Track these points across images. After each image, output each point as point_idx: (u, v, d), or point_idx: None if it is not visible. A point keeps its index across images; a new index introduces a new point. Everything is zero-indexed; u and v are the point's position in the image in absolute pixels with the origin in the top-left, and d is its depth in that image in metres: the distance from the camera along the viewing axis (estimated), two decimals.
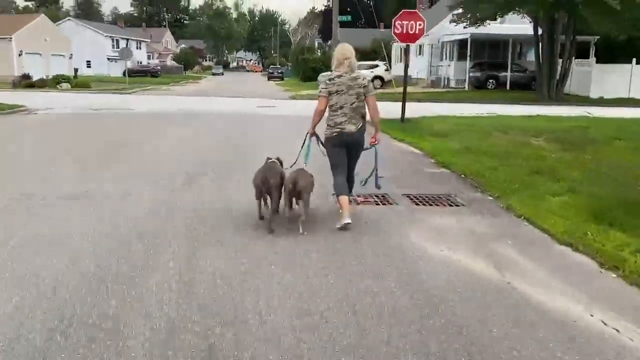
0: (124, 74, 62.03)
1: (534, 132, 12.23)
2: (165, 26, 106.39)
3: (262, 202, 5.51)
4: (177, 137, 12.02)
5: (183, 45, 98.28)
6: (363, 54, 53.07)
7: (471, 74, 32.94)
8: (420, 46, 39.74)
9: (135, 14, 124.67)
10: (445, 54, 36.15)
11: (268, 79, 60.73)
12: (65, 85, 32.08)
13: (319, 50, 61.58)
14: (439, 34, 36.92)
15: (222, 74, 79.75)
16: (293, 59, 62.90)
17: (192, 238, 5.04)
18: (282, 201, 5.37)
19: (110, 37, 64.06)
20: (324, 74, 37.25)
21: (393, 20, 14.17)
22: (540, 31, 26.63)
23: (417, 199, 6.77)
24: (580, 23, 26.15)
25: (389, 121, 14.85)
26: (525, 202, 6.37)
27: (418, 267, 4.47)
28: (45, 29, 43.11)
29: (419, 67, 38.46)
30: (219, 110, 18.88)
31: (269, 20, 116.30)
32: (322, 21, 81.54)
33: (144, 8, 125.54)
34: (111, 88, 33.44)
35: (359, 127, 5.44)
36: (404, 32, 14.05)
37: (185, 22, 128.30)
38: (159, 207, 6.09)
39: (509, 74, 32.31)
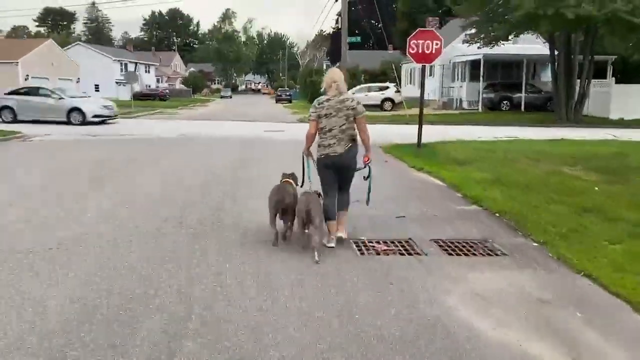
0: (131, 97, 62.14)
1: (565, 159, 11.11)
2: (174, 50, 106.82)
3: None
4: (170, 168, 11.01)
5: (192, 69, 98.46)
6: (372, 76, 52.55)
7: (484, 95, 31.93)
8: (431, 67, 38.87)
9: (145, 39, 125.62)
10: (457, 75, 35.24)
11: (276, 102, 60.13)
12: None
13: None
14: (450, 54, 35.99)
15: (231, 97, 79.42)
16: (301, 81, 62.38)
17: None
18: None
19: (119, 60, 63.94)
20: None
21: (408, 40, 13.20)
22: (556, 53, 25.67)
23: (448, 245, 5.66)
24: (596, 43, 25.19)
25: (404, 147, 13.85)
26: (580, 252, 5.24)
27: (468, 355, 3.36)
28: (53, 54, 42.81)
29: (430, 89, 37.48)
30: (224, 136, 17.94)
31: (277, 43, 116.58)
32: (330, 43, 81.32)
33: (154, 32, 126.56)
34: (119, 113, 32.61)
35: (348, 148, 5.48)
36: (420, 51, 13.06)
37: (194, 46, 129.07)
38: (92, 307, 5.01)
39: (523, 94, 31.27)
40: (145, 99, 58.33)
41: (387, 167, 11.02)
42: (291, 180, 5.89)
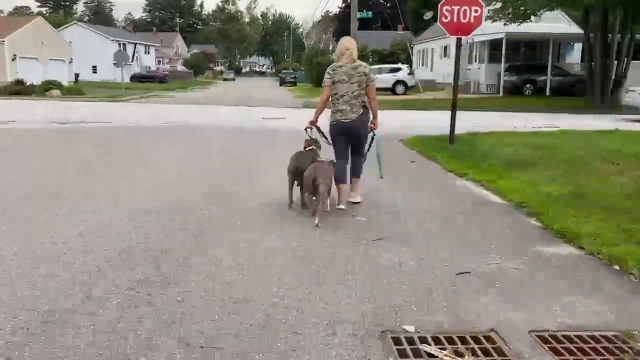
0: (130, 79, 59.29)
1: None
2: (176, 31, 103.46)
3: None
4: (143, 170, 8.35)
5: (195, 51, 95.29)
6: (381, 56, 49.49)
7: (506, 78, 29.01)
8: (445, 47, 35.91)
9: (148, 20, 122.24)
10: (475, 56, 32.25)
11: (280, 85, 57.26)
12: (55, 92, 28.73)
13: (334, 53, 58.01)
14: None
15: (234, 79, 76.49)
16: (306, 63, 59.31)
17: None
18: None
19: (117, 41, 60.92)
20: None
21: (439, 6, 10.40)
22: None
23: (562, 347, 3.01)
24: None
25: (430, 140, 11.14)
26: None
27: None
28: (43, 33, 39.89)
29: (444, 71, 34.60)
30: (217, 124, 15.27)
31: (282, 24, 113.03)
32: (337, 23, 77.99)
33: (157, 13, 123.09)
34: (106, 96, 30.02)
35: (359, 115, 5.55)
36: (454, 21, 10.29)
37: (198, 27, 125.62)
38: None
39: (549, 77, 28.35)
40: (145, 81, 55.57)
41: (415, 170, 8.36)
42: (314, 147, 5.88)
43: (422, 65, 40.82)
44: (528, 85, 28.66)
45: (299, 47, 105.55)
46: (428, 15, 43.16)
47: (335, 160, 5.68)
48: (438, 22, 10.66)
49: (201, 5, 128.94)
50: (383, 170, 6.19)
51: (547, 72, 28.58)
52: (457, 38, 10.69)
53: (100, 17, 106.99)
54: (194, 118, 16.96)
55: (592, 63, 22.82)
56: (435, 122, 16.28)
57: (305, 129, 5.87)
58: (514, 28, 30.57)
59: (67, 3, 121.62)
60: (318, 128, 5.87)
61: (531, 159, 8.54)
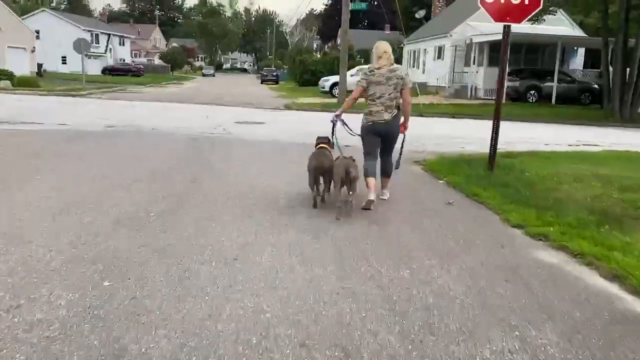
0: (102, 71, 55.45)
1: None
2: (155, 23, 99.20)
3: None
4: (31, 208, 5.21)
5: (174, 44, 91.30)
6: (369, 56, 46.53)
7: (508, 84, 26.21)
8: (439, 48, 33.13)
9: (127, 11, 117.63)
10: (473, 58, 29.48)
11: (261, 82, 54.06)
12: (4, 83, 25.18)
13: (318, 52, 54.89)
14: (465, 33, 30.31)
15: (214, 75, 72.98)
16: (290, 61, 56.16)
17: None
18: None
19: (90, 31, 56.95)
20: (325, 78, 30.84)
21: None
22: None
23: None
24: None
25: (458, 163, 8.20)
26: None
27: None
28: (0, 18, 36.11)
29: (438, 73, 31.81)
30: (175, 129, 12.09)
31: (265, 21, 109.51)
32: (321, 22, 74.98)
33: (136, 5, 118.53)
34: (65, 89, 26.55)
35: (394, 115, 5.60)
36: (501, 1, 7.38)
37: (179, 21, 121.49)
38: None
39: (555, 84, 25.72)
40: (118, 74, 51.87)
41: (459, 221, 5.34)
42: (327, 145, 5.78)
43: (413, 66, 38.00)
44: (532, 92, 26.00)
45: (283, 44, 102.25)
46: (420, 13, 40.56)
47: (353, 157, 5.51)
48: (479, 3, 7.66)
49: None
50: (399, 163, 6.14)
51: (552, 78, 25.95)
52: (504, 26, 7.72)
53: (75, 7, 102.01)
54: (151, 120, 13.74)
55: (614, 70, 20.19)
56: (447, 133, 13.48)
57: (332, 121, 5.88)
58: (518, 28, 28.05)
59: None
60: (343, 121, 5.87)
61: (627, 205, 5.62)
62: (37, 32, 55.62)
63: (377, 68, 5.53)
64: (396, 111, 5.59)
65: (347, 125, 5.93)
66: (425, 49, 35.68)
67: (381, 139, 5.70)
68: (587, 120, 19.41)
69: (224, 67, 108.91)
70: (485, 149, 10.22)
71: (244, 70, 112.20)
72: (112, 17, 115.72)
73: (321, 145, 5.77)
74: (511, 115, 20.28)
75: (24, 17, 58.21)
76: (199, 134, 11.27)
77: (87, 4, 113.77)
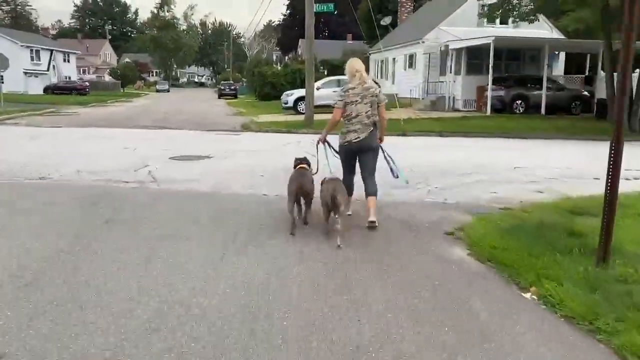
0: (44, 90, 50.45)
1: None
2: (105, 38, 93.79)
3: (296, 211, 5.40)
4: None
5: (127, 60, 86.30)
6: (333, 67, 43.39)
7: (493, 93, 23.33)
8: (410, 56, 30.13)
9: (77, 27, 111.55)
10: (449, 67, 26.53)
11: (219, 97, 50.15)
12: None
13: (279, 64, 51.43)
14: (438, 39, 27.40)
15: (168, 91, 68.53)
16: (248, 73, 52.47)
17: None
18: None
19: (29, 47, 51.96)
20: (288, 92, 27.23)
21: None
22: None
23: None
24: None
25: (514, 237, 4.75)
26: None
27: None
28: None
29: (411, 84, 28.75)
30: (74, 176, 8.32)
31: (222, 33, 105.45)
32: (280, 32, 71.66)
33: (87, 20, 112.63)
34: None
35: (370, 132, 5.50)
36: None
37: (132, 35, 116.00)
38: None
39: (544, 92, 22.93)
40: (60, 92, 47.07)
41: None
42: (306, 165, 5.65)
43: (382, 77, 34.95)
44: (519, 102, 23.16)
45: (241, 57, 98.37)
46: (386, 20, 37.55)
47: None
48: None
49: (136, 12, 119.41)
50: (403, 173, 6.06)
51: (539, 86, 23.16)
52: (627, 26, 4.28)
53: (20, 23, 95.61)
54: (49, 160, 9.89)
55: (617, 78, 17.45)
56: (451, 161, 10.18)
57: (317, 145, 5.79)
58: (501, 32, 25.27)
59: None
60: (329, 143, 5.81)
61: None
62: None
63: (352, 88, 5.47)
64: (372, 128, 5.51)
65: (332, 148, 5.88)
66: (394, 58, 32.66)
67: (359, 158, 5.63)
68: (594, 134, 16.51)
69: (181, 81, 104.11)
70: (520, 187, 7.21)
71: (202, 84, 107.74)
72: (63, 34, 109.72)
73: (300, 166, 5.62)
74: (505, 129, 17.32)
75: None
76: (106, 185, 7.56)
77: (33, 20, 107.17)
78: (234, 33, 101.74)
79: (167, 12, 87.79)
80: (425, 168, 9.25)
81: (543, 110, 22.61)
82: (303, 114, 21.88)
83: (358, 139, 5.44)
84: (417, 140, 14.98)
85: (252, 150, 11.79)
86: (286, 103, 24.20)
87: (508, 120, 20.03)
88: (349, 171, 5.77)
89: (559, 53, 28.10)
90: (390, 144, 6.12)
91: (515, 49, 25.67)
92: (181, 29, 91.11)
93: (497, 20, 28.54)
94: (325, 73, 39.58)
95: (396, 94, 30.84)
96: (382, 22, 36.65)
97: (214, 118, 23.45)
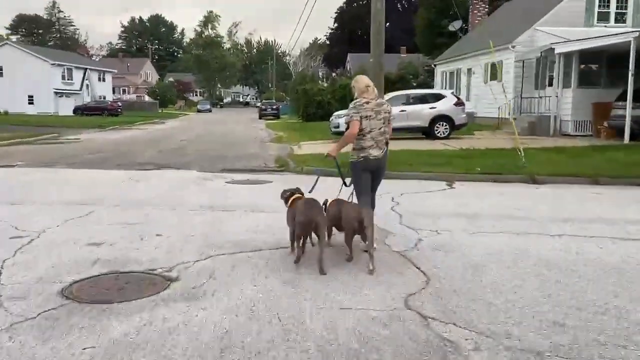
0: (74, 111, 46.38)
1: None
2: (146, 56, 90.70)
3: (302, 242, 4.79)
4: None
5: (170, 79, 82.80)
6: (387, 82, 37.16)
7: (619, 112, 16.49)
8: (492, 65, 23.53)
9: (124, 47, 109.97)
10: (549, 78, 19.79)
11: (260, 117, 44.74)
12: None
13: (325, 80, 45.56)
14: (532, 43, 20.80)
15: (210, 111, 63.94)
16: (292, 92, 46.87)
17: None
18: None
19: (60, 65, 48.16)
20: (339, 112, 20.85)
21: None
22: None
23: None
24: None
25: None
26: None
27: None
28: None
29: (494, 100, 22.04)
30: None
31: (267, 52, 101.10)
32: (328, 48, 66.15)
33: (133, 40, 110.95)
34: None
35: (384, 151, 5.25)
36: None
37: (179, 55, 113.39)
38: None
39: None
40: (91, 114, 42.71)
41: None
42: (300, 195, 5.14)
43: (450, 89, 28.28)
44: None
45: (287, 76, 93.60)
46: (455, 25, 30.93)
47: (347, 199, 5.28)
48: None
49: (182, 33, 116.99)
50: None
51: None
52: None
53: (68, 45, 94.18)
54: None
55: None
56: None
57: (326, 157, 5.32)
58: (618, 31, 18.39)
59: (40, 31, 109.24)
60: (337, 162, 5.39)
61: None
62: (0, 68, 47.06)
63: (366, 102, 5.09)
64: (385, 147, 5.25)
65: (339, 169, 5.50)
66: (469, 69, 26.10)
67: (373, 175, 5.27)
68: None
69: (225, 101, 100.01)
70: None
71: (247, 104, 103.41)
72: (112, 55, 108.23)
73: (297, 196, 5.10)
74: None
75: None
76: None
77: (82, 43, 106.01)
78: (279, 51, 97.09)
79: (211, 29, 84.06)
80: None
81: None
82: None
83: (374, 156, 5.12)
84: (569, 195, 8.51)
85: (280, 228, 5.60)
86: (337, 127, 17.91)
87: None
88: (365, 193, 5.23)
89: None
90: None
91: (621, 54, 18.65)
92: (225, 47, 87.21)
93: (612, 17, 21.88)
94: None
95: (473, 112, 24.50)
96: (450, 28, 30.19)
97: (243, 147, 17.57)
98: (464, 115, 17.68)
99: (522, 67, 21.11)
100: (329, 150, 5.32)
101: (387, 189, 7.27)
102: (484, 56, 24.27)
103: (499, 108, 21.08)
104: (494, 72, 23.26)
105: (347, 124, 5.22)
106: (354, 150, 5.20)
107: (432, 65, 30.46)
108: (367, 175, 5.20)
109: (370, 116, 5.06)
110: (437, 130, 17.46)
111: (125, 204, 7.58)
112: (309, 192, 5.14)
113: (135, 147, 17.28)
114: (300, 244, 4.73)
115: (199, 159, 13.64)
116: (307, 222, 4.54)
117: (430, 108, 17.51)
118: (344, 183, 5.36)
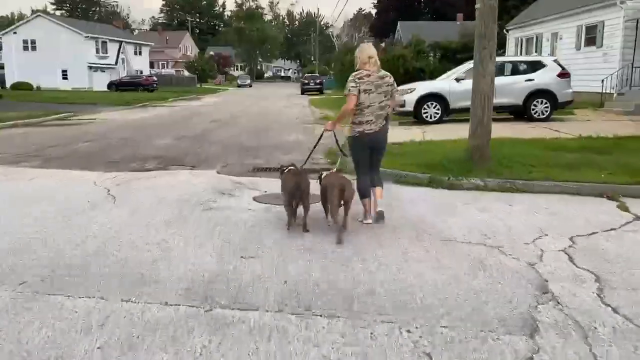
0: (108, 86, 43.86)
1: None
2: (186, 29, 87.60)
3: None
4: None
5: (211, 53, 79.72)
6: (446, 51, 32.62)
7: None
8: (589, 28, 18.96)
9: (165, 21, 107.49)
10: None
11: (302, 93, 41.07)
12: None
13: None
14: None
15: (250, 86, 60.69)
16: (337, 65, 42.75)
17: None
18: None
19: (93, 37, 45.54)
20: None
21: None
22: None
23: None
24: None
25: None
26: None
27: None
28: None
29: (599, 71, 17.51)
30: None
31: (309, 24, 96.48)
32: (375, 16, 61.41)
33: (174, 14, 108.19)
34: None
35: (382, 126, 5.00)
36: None
37: (220, 29, 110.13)
38: None
39: None
40: (125, 89, 39.97)
41: None
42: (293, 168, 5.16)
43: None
44: None
45: (329, 49, 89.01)
46: None
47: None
48: None
49: (223, 6, 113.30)
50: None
51: None
52: None
53: (112, 20, 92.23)
54: None
55: None
56: None
57: (324, 130, 5.17)
58: None
59: (83, 6, 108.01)
60: (335, 137, 5.36)
61: None
62: (33, 42, 44.83)
63: (367, 75, 4.81)
64: (385, 122, 4.98)
65: (338, 145, 5.53)
66: (555, 33, 21.48)
67: (370, 151, 5.04)
68: None
69: (266, 75, 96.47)
70: None
71: (288, 78, 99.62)
72: (153, 29, 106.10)
73: (290, 168, 5.14)
74: None
75: (17, 24, 47.59)
76: None
77: (124, 17, 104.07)
78: (322, 23, 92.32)
79: (252, 1, 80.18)
80: None
81: None
82: (431, 123, 12.09)
83: (371, 130, 4.89)
84: None
85: None
86: (402, 105, 13.92)
87: None
88: (364, 169, 5.07)
89: None
90: None
91: None
92: (266, 19, 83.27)
93: None
94: (440, 58, 29.10)
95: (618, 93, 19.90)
96: None
97: (282, 131, 13.98)
98: (570, 91, 13.38)
99: (637, 29, 16.51)
100: (326, 125, 5.20)
101: (519, 218, 3.53)
102: (576, 17, 19.66)
103: (602, 81, 16.61)
104: (592, 36, 18.71)
105: (346, 96, 4.88)
106: (352, 124, 5.02)
107: (505, 31, 25.81)
108: (367, 151, 5.01)
109: (369, 90, 4.83)
110: (534, 109, 13.29)
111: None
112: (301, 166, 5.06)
113: (152, 131, 13.95)
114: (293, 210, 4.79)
115: (225, 151, 10.16)
116: (293, 187, 4.70)
117: (527, 80, 13.30)
118: (343, 154, 5.34)
